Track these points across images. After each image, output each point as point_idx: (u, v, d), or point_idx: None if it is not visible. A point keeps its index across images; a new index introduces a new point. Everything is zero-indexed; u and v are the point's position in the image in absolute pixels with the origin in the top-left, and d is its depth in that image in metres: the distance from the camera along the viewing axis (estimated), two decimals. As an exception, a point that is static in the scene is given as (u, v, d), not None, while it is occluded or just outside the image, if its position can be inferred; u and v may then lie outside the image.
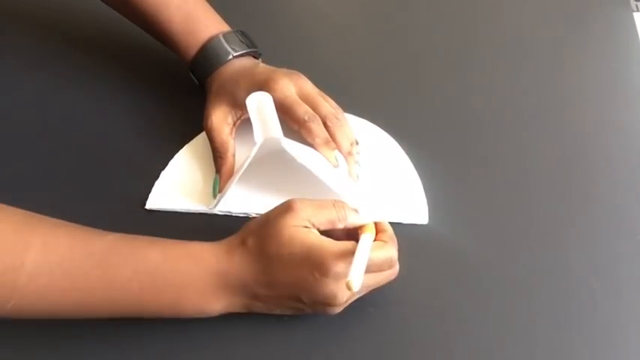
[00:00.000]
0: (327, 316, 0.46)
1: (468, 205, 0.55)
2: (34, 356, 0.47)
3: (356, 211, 0.47)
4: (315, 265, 0.43)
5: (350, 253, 0.43)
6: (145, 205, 0.54)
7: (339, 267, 0.43)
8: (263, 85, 0.54)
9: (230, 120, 0.57)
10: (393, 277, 0.47)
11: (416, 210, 0.54)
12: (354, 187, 0.54)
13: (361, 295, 0.46)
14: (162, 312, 0.45)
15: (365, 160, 0.56)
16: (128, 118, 0.62)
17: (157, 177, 0.56)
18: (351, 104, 0.59)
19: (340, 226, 0.46)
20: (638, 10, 0.75)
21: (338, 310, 0.46)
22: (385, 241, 0.46)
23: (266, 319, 0.47)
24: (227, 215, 0.54)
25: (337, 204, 0.47)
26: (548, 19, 0.74)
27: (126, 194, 0.55)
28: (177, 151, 0.58)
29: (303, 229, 0.45)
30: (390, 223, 0.51)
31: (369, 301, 0.47)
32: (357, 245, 0.44)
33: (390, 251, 0.46)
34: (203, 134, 0.58)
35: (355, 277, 0.40)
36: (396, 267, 0.47)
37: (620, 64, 0.69)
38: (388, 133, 0.59)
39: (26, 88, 0.65)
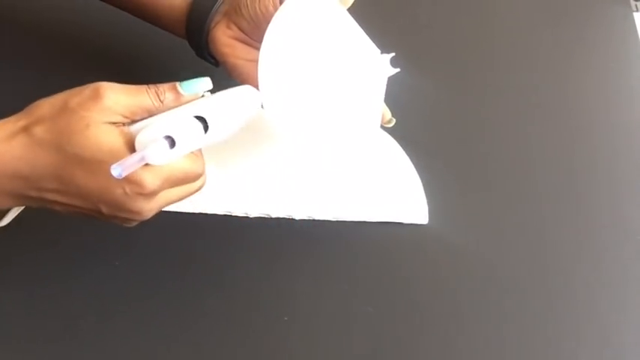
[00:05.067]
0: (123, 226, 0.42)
1: (468, 205, 0.55)
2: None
3: (174, 89, 0.41)
4: (127, 179, 0.37)
5: (170, 170, 0.38)
6: (144, 205, 0.54)
7: (155, 184, 0.38)
8: None
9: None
10: (198, 190, 0.43)
11: (416, 210, 0.54)
12: (356, 186, 0.54)
13: (164, 207, 0.42)
14: None
15: (365, 160, 0.56)
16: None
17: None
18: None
19: (158, 113, 0.41)
20: (638, 10, 0.75)
21: (135, 224, 0.41)
22: (196, 154, 0.42)
23: (265, 319, 0.47)
24: (227, 215, 0.54)
25: (151, 89, 0.41)
26: (548, 18, 0.74)
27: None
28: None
29: (114, 130, 0.38)
30: (390, 223, 0.51)
31: (369, 301, 0.47)
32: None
33: (200, 164, 0.42)
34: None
35: (126, 167, 0.36)
36: (203, 180, 0.43)
37: (620, 64, 0.69)
38: (388, 133, 0.59)
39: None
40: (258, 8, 0.50)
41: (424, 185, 0.55)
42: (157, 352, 0.46)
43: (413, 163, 0.57)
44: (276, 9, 0.49)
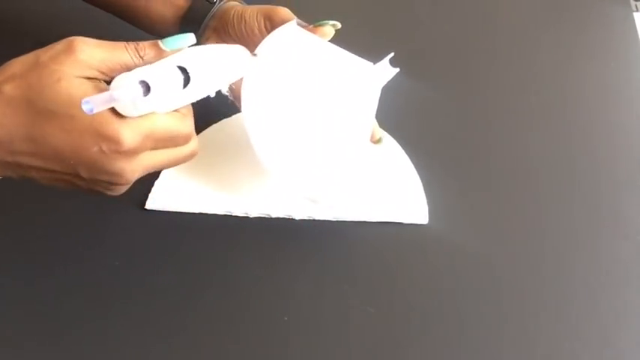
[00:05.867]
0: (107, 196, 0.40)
1: (468, 205, 0.55)
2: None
3: (156, 45, 0.39)
4: (103, 135, 0.35)
5: (151, 126, 0.37)
6: (144, 205, 0.54)
7: (135, 141, 0.36)
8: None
9: None
10: (189, 157, 0.42)
11: (416, 210, 0.54)
12: (356, 186, 0.54)
13: (149, 171, 0.40)
14: None
15: (365, 159, 0.56)
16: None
17: (156, 177, 0.56)
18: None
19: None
20: (638, 10, 0.75)
21: (121, 191, 0.40)
22: (184, 114, 0.40)
23: (265, 319, 0.47)
24: (227, 215, 0.54)
25: (131, 45, 0.39)
26: (548, 18, 0.74)
27: (126, 194, 0.55)
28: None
29: (88, 84, 0.36)
30: (390, 223, 0.50)
31: (369, 301, 0.47)
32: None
33: (187, 124, 0.39)
34: (204, 134, 0.59)
35: (96, 103, 0.33)
36: (194, 145, 0.41)
37: (619, 64, 0.69)
38: (388, 133, 0.59)
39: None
40: (243, 29, 0.51)
41: (424, 185, 0.55)
42: (156, 351, 0.46)
43: (413, 163, 0.57)
44: (261, 32, 0.50)
